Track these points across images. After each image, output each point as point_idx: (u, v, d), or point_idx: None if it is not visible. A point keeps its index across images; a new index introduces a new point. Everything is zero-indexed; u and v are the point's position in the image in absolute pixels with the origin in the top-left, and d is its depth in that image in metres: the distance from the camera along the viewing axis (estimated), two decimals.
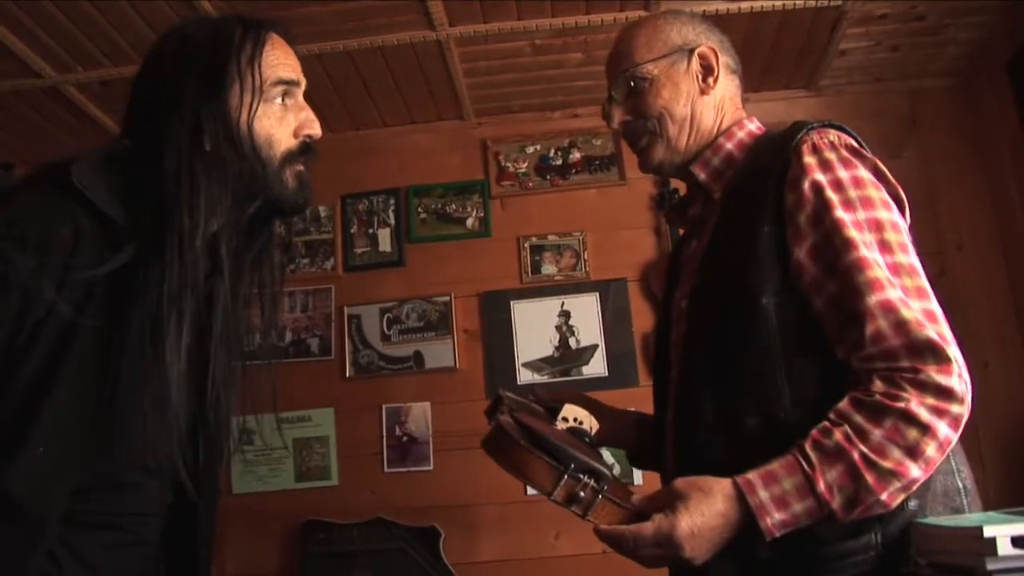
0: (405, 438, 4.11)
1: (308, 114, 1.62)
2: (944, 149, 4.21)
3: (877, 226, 1.53)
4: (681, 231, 2.05)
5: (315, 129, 1.61)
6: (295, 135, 1.59)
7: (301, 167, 1.60)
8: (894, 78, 4.27)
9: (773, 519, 1.40)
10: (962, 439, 1.52)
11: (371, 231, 4.39)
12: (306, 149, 1.60)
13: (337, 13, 3.41)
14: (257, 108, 1.53)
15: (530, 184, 4.38)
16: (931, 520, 1.46)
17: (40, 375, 1.30)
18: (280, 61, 1.59)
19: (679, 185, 4.02)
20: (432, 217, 4.38)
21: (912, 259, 1.53)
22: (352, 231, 4.41)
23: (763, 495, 1.41)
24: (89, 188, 1.38)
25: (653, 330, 3.95)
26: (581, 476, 1.49)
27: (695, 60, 1.82)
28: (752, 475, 1.43)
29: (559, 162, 4.40)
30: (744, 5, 3.49)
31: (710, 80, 1.82)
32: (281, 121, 1.57)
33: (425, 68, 3.91)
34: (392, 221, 4.40)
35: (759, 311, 1.55)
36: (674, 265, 1.98)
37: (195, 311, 1.44)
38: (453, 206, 4.38)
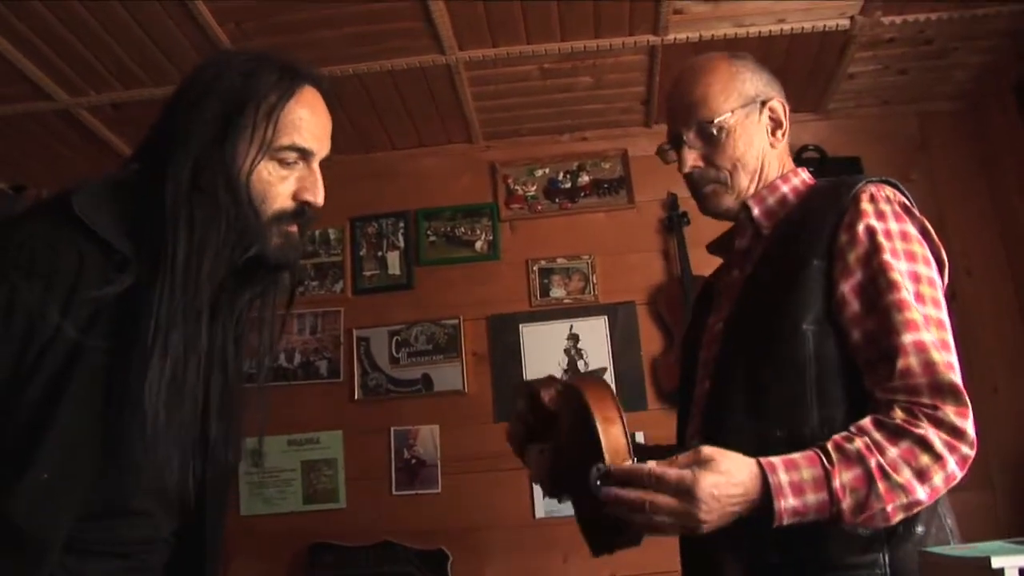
0: (413, 461, 4.11)
1: (314, 179, 1.58)
2: (953, 172, 4.22)
3: (916, 278, 1.61)
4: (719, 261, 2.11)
5: (315, 197, 1.57)
6: (293, 197, 1.56)
7: (293, 228, 1.58)
8: (902, 101, 4.28)
9: (787, 503, 1.44)
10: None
11: (380, 254, 4.40)
12: (300, 213, 1.57)
13: (347, 37, 3.43)
14: (258, 163, 1.50)
15: (539, 207, 4.39)
16: (938, 549, 1.47)
17: (45, 399, 1.30)
18: (303, 125, 1.56)
19: (688, 207, 4.05)
20: (441, 240, 4.40)
21: (942, 315, 1.61)
22: (361, 254, 4.42)
23: (783, 477, 1.45)
24: (89, 217, 1.38)
25: (664, 354, 3.96)
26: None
27: (766, 112, 1.89)
28: (775, 459, 1.48)
29: (568, 185, 4.41)
30: (752, 29, 3.51)
31: (779, 133, 1.90)
32: (282, 180, 1.54)
33: (434, 92, 3.93)
34: (401, 244, 4.41)
35: (799, 335, 1.62)
36: (708, 294, 2.05)
37: (184, 343, 1.43)
38: (462, 229, 4.39)
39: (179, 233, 1.43)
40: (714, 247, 2.08)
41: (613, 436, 1.54)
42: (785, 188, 1.86)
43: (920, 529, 1.55)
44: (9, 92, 3.60)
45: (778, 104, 1.90)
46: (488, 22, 3.41)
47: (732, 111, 1.84)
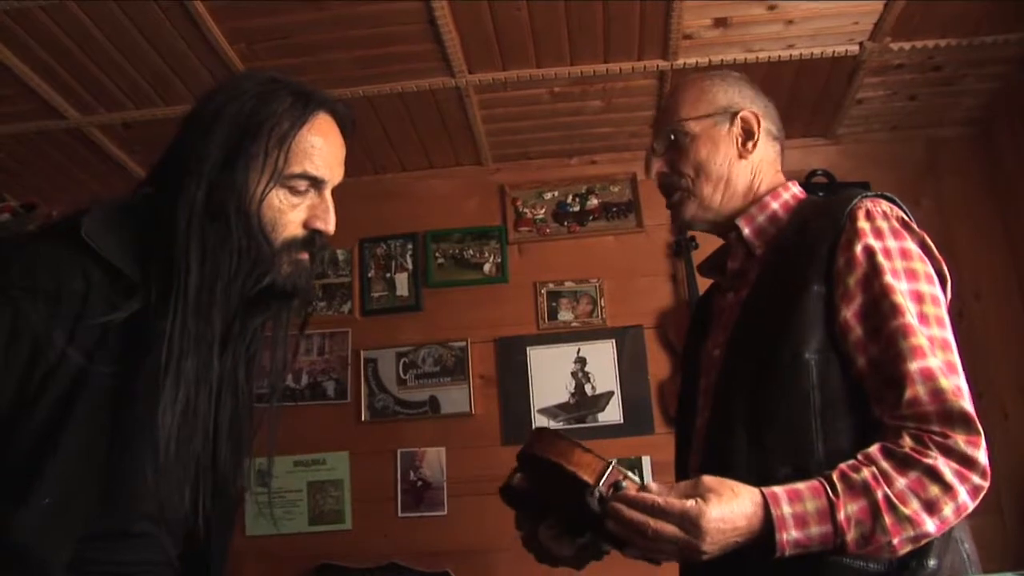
0: (420, 483, 4.10)
1: (325, 207, 1.56)
2: (962, 197, 4.21)
3: (918, 298, 1.57)
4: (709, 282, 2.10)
5: (326, 226, 1.56)
6: (304, 225, 1.55)
7: (303, 256, 1.56)
8: (911, 126, 4.28)
9: (789, 535, 1.41)
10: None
11: (389, 275, 4.41)
12: (310, 241, 1.56)
13: (358, 59, 3.46)
14: (269, 192, 1.48)
15: (547, 230, 4.39)
16: None
17: (49, 423, 1.29)
18: (315, 152, 1.54)
19: (696, 233, 4.05)
20: (449, 262, 4.40)
21: (947, 334, 1.57)
22: (370, 275, 4.42)
23: (786, 509, 1.42)
24: (97, 241, 1.37)
25: (672, 378, 3.95)
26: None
27: (737, 123, 1.87)
28: (778, 489, 1.45)
29: (576, 208, 4.41)
30: (762, 55, 3.52)
31: (749, 144, 1.87)
32: (293, 208, 1.53)
33: (444, 114, 3.95)
34: (410, 265, 4.41)
35: (801, 365, 1.58)
36: (702, 315, 2.02)
37: (196, 371, 1.43)
38: (470, 251, 4.40)
39: (191, 260, 1.42)
40: (705, 268, 2.07)
41: (576, 460, 1.54)
42: (775, 205, 1.83)
43: (932, 563, 1.50)
44: (21, 110, 3.63)
45: (750, 115, 1.87)
46: (498, 46, 3.43)
47: (697, 118, 1.86)
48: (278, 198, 1.51)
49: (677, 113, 1.88)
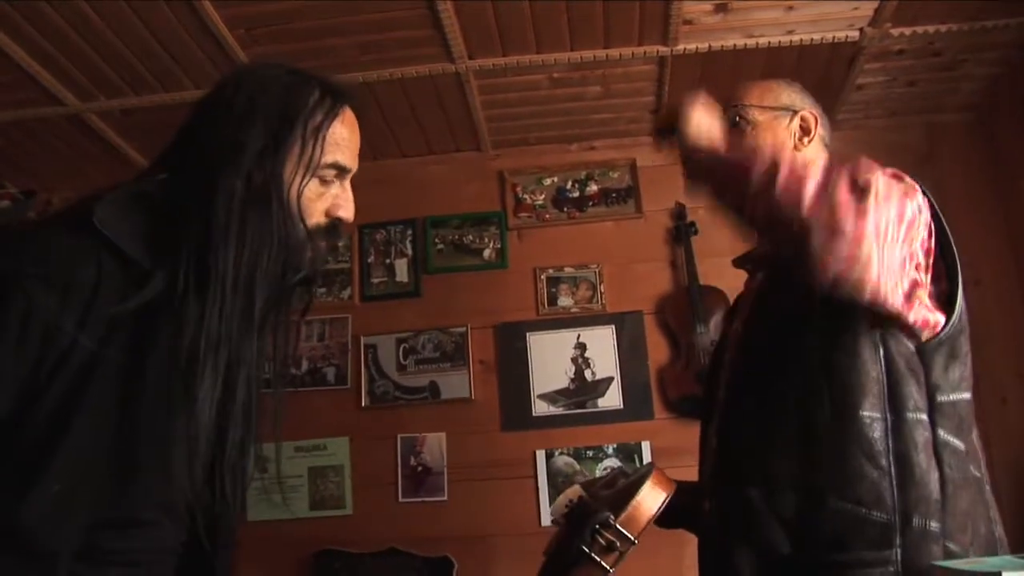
0: (420, 468, 4.11)
1: (347, 196, 1.59)
2: (961, 184, 4.19)
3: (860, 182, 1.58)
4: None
5: (347, 213, 1.58)
6: (327, 213, 1.57)
7: (323, 244, 1.59)
8: (911, 112, 4.28)
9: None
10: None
11: (388, 261, 4.41)
12: (332, 229, 1.59)
13: (358, 45, 3.45)
14: (307, 181, 1.51)
15: (547, 216, 4.40)
16: (948, 563, 1.47)
17: (59, 411, 1.29)
18: (344, 143, 1.57)
19: (696, 217, 4.07)
20: (449, 248, 4.40)
21: (877, 214, 1.57)
22: (369, 261, 4.43)
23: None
24: (110, 228, 1.37)
25: (671, 364, 3.97)
26: (594, 539, 1.59)
27: (797, 119, 1.97)
28: None
29: (576, 194, 4.41)
30: (762, 40, 3.51)
31: (805, 140, 1.97)
32: (320, 197, 1.55)
33: (444, 100, 3.95)
34: (409, 251, 4.42)
35: (803, 328, 1.67)
36: (737, 302, 2.12)
37: (232, 358, 1.44)
38: (470, 237, 4.40)
39: (231, 248, 1.42)
40: (738, 261, 2.12)
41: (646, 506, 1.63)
42: None
43: (935, 526, 1.57)
44: (20, 97, 3.63)
45: (810, 115, 1.98)
46: (498, 31, 3.42)
47: (762, 107, 1.95)
48: (310, 187, 1.53)
49: (743, 97, 1.98)
